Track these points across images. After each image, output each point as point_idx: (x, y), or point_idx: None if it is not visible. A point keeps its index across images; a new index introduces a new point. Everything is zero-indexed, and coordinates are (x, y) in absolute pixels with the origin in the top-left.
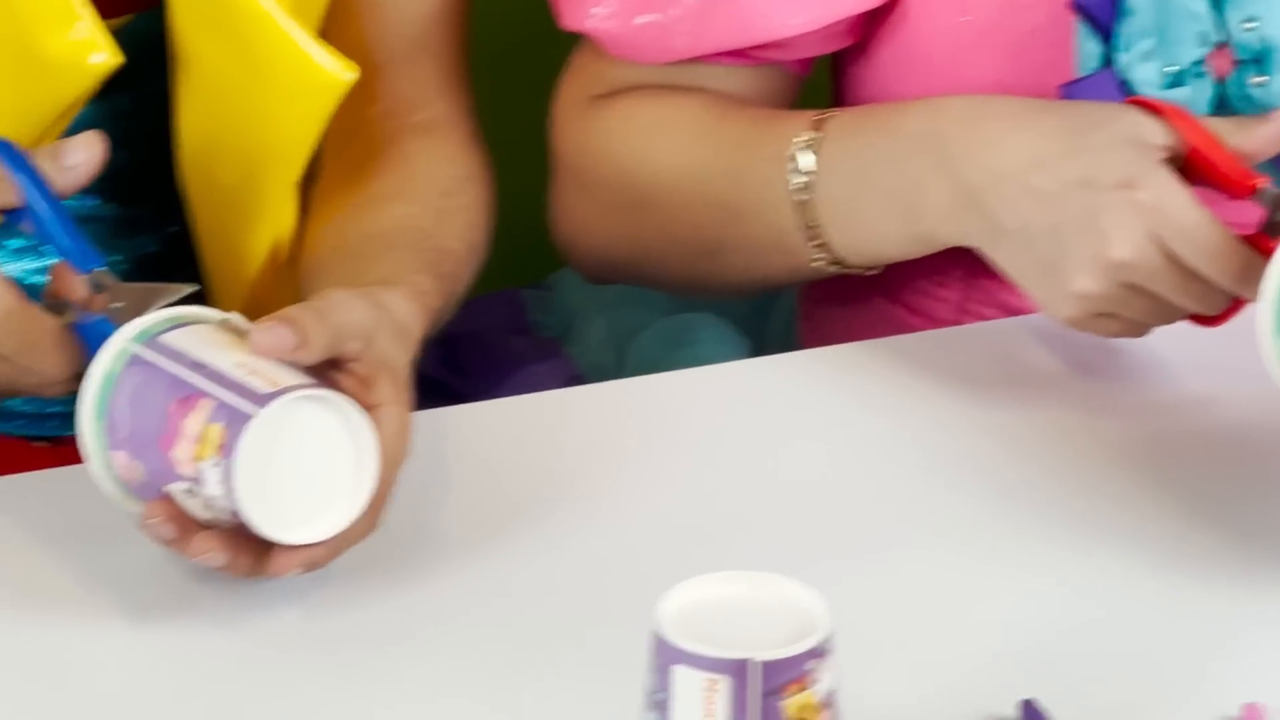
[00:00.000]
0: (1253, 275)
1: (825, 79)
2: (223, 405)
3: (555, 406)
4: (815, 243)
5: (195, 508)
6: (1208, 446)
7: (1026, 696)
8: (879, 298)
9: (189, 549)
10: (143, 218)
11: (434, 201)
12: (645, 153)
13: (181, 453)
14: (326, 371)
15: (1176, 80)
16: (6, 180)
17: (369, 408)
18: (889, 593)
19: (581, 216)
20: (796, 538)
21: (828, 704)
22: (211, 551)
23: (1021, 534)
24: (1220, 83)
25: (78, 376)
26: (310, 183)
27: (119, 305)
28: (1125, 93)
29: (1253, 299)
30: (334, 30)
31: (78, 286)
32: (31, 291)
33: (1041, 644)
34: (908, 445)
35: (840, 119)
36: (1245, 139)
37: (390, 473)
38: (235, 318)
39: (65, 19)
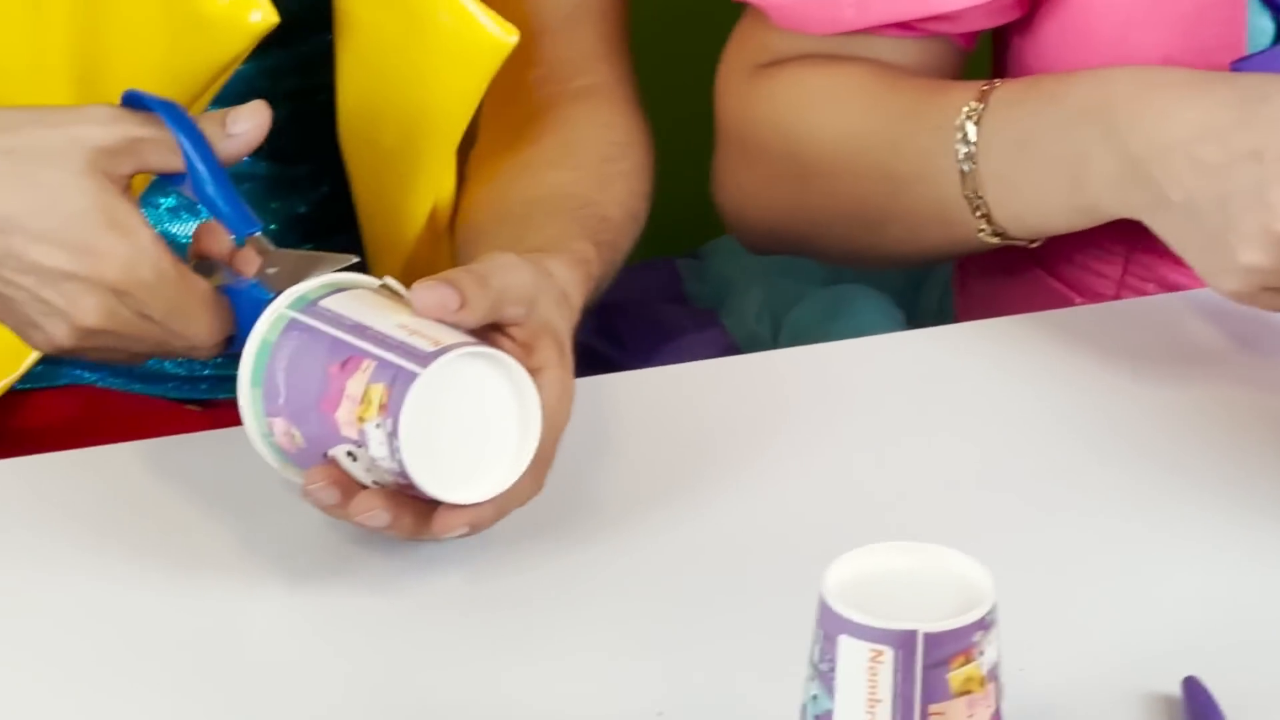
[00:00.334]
0: None
1: (986, 53)
2: (385, 365)
3: (712, 376)
4: (978, 214)
5: (357, 471)
6: None
7: (1189, 674)
8: (1037, 271)
9: (351, 508)
10: (296, 178)
11: (594, 168)
12: (812, 122)
13: (344, 415)
14: (488, 335)
15: None
16: (170, 143)
17: (531, 372)
18: (1049, 567)
19: (745, 185)
20: (955, 511)
21: (992, 677)
22: (375, 510)
23: (1184, 511)
24: None
25: (228, 340)
26: (467, 147)
27: (274, 271)
28: None
29: None
30: None
31: (243, 255)
32: (183, 252)
33: (1204, 622)
34: (1065, 420)
35: (1006, 89)
36: None
37: (553, 436)
38: (392, 282)
39: None
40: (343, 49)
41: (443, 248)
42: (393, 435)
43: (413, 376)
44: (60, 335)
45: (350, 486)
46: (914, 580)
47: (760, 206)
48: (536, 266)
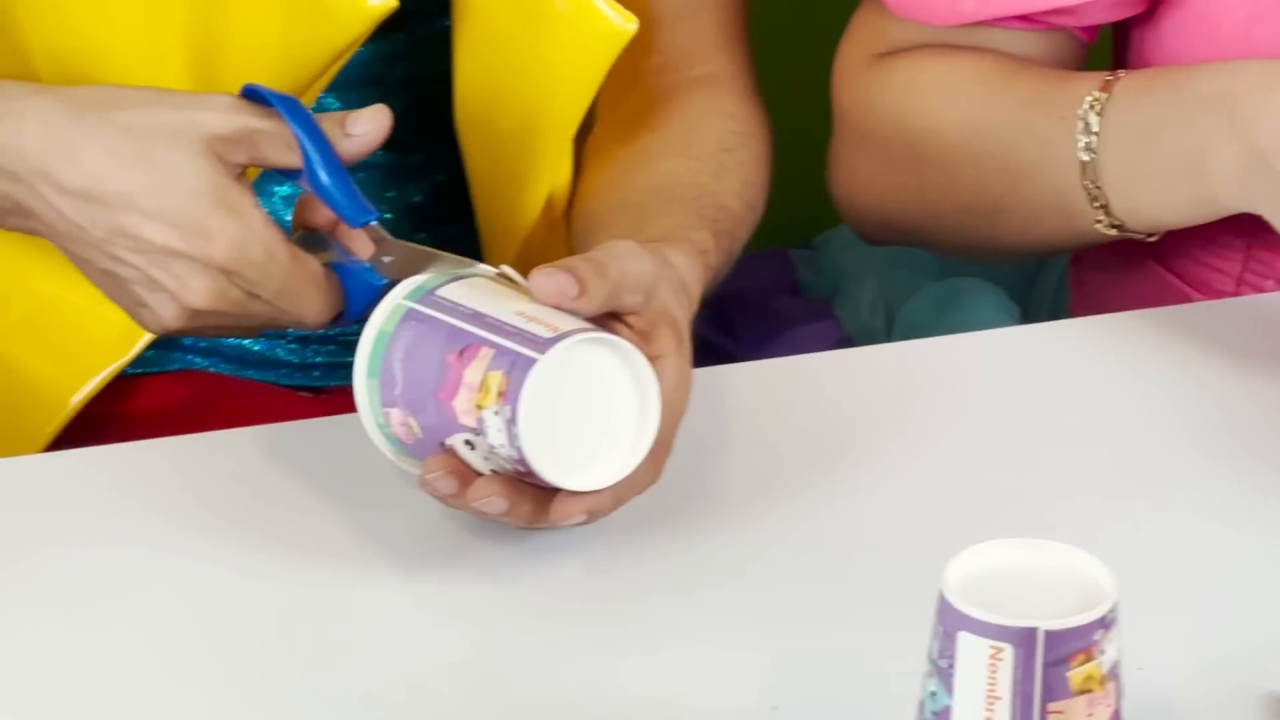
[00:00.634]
0: None
1: (1105, 46)
2: (504, 352)
3: (827, 368)
4: (1096, 205)
5: (475, 460)
6: None
7: None
8: (1154, 266)
9: (469, 495)
10: (411, 166)
11: (712, 157)
12: (930, 111)
13: (462, 403)
14: (606, 323)
15: None
16: (287, 137)
17: (649, 360)
18: (1167, 564)
19: (862, 175)
20: (1072, 507)
21: (1112, 675)
22: (492, 497)
23: None
24: None
25: (336, 316)
26: (583, 135)
27: (389, 260)
28: None
29: None
30: None
31: (353, 234)
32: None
33: None
34: (1182, 417)
35: (1129, 80)
36: None
37: (671, 424)
38: (509, 270)
39: None
40: (460, 35)
41: (558, 236)
42: (511, 422)
43: (531, 362)
44: (169, 316)
45: (468, 475)
46: (1034, 577)
47: (876, 196)
48: (656, 255)
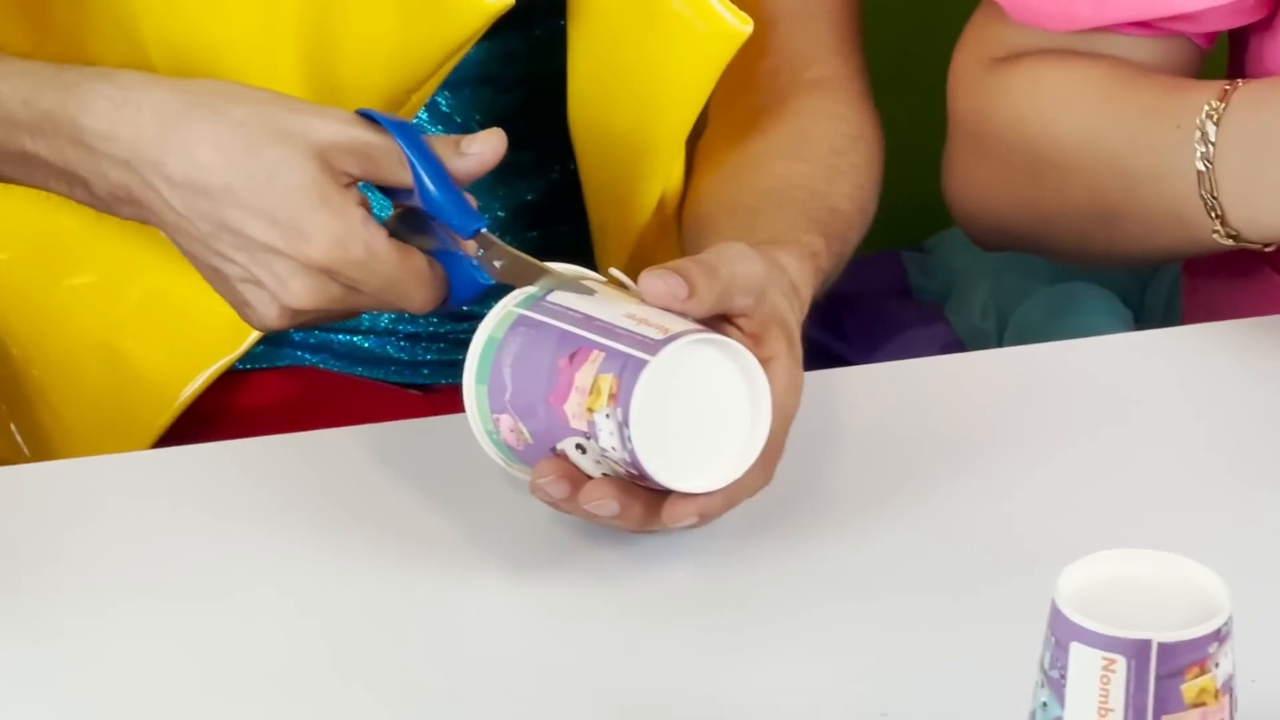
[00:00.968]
0: None
1: (1221, 54)
2: (615, 354)
3: (938, 372)
4: (1213, 215)
5: (586, 464)
6: None
7: None
8: (1269, 273)
9: (581, 497)
10: (524, 164)
11: (824, 160)
12: (1048, 117)
13: (573, 407)
14: (717, 325)
15: None
16: (400, 156)
17: (760, 362)
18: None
19: (978, 180)
20: (1186, 517)
21: (1226, 689)
22: (605, 499)
23: None
24: None
25: (442, 301)
26: (695, 136)
27: (499, 265)
28: None
29: None
30: None
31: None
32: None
33: None
34: None
35: (1248, 89)
36: None
37: (782, 427)
38: (617, 273)
39: None
40: (575, 34)
41: (670, 237)
42: (623, 424)
43: (642, 364)
44: (271, 315)
45: (579, 480)
46: (1148, 588)
47: (991, 201)
48: (766, 257)
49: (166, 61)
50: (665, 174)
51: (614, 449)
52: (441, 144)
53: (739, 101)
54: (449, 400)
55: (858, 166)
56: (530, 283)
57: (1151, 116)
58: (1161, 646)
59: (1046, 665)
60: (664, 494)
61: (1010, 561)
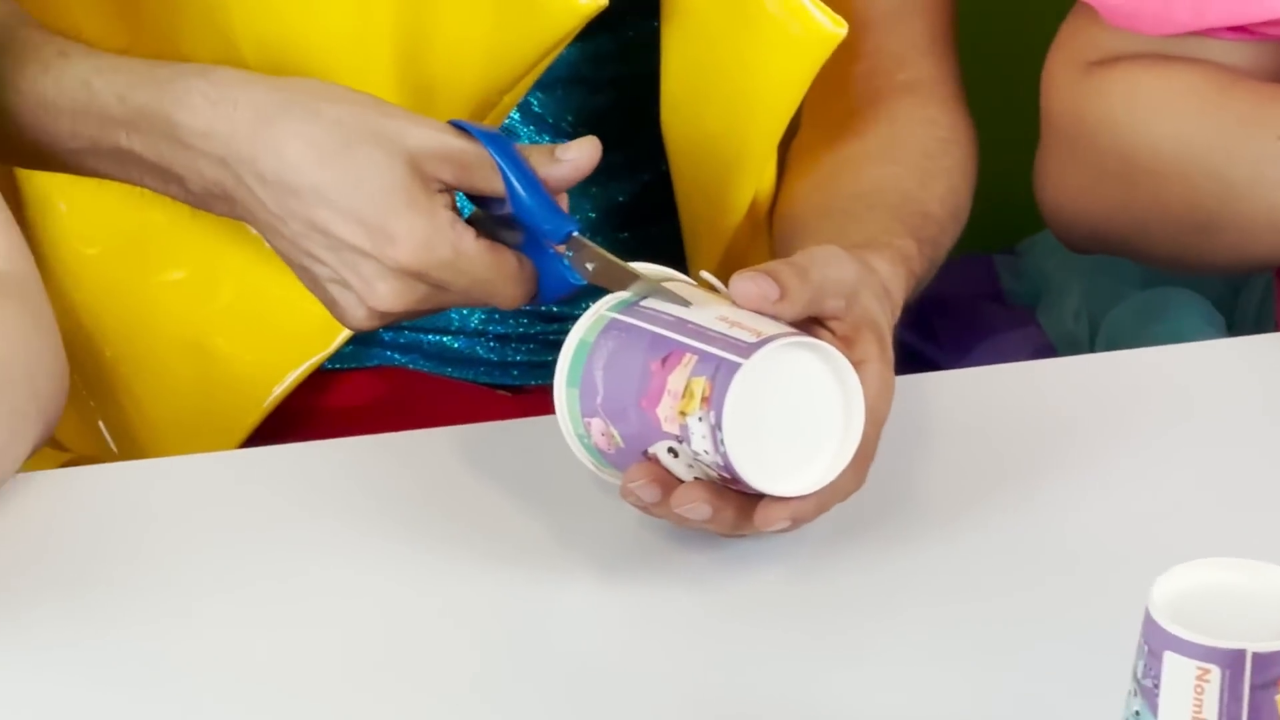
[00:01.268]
0: None
1: None
2: (707, 357)
3: (1029, 377)
4: None
5: (678, 468)
6: None
7: None
8: None
9: (673, 500)
10: (616, 165)
11: (917, 163)
12: (1146, 123)
13: (665, 410)
14: (809, 328)
15: None
16: (492, 165)
17: (852, 365)
18: None
19: (1071, 185)
20: (1278, 525)
21: None
22: (696, 503)
23: None
24: None
25: (532, 297)
26: (787, 138)
27: (591, 267)
28: None
29: None
30: None
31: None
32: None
33: None
34: None
35: None
36: None
37: (875, 430)
38: (708, 276)
39: None
40: (669, 35)
41: (761, 239)
42: (716, 427)
43: (735, 367)
44: (359, 317)
45: (670, 483)
46: (1243, 597)
47: (1084, 205)
48: (858, 260)
49: (259, 60)
50: (758, 176)
51: (706, 452)
52: (536, 152)
53: (832, 104)
54: (538, 401)
55: (950, 170)
56: (622, 286)
57: (1249, 125)
58: (1256, 656)
59: (1140, 674)
60: (755, 497)
61: (1101, 569)
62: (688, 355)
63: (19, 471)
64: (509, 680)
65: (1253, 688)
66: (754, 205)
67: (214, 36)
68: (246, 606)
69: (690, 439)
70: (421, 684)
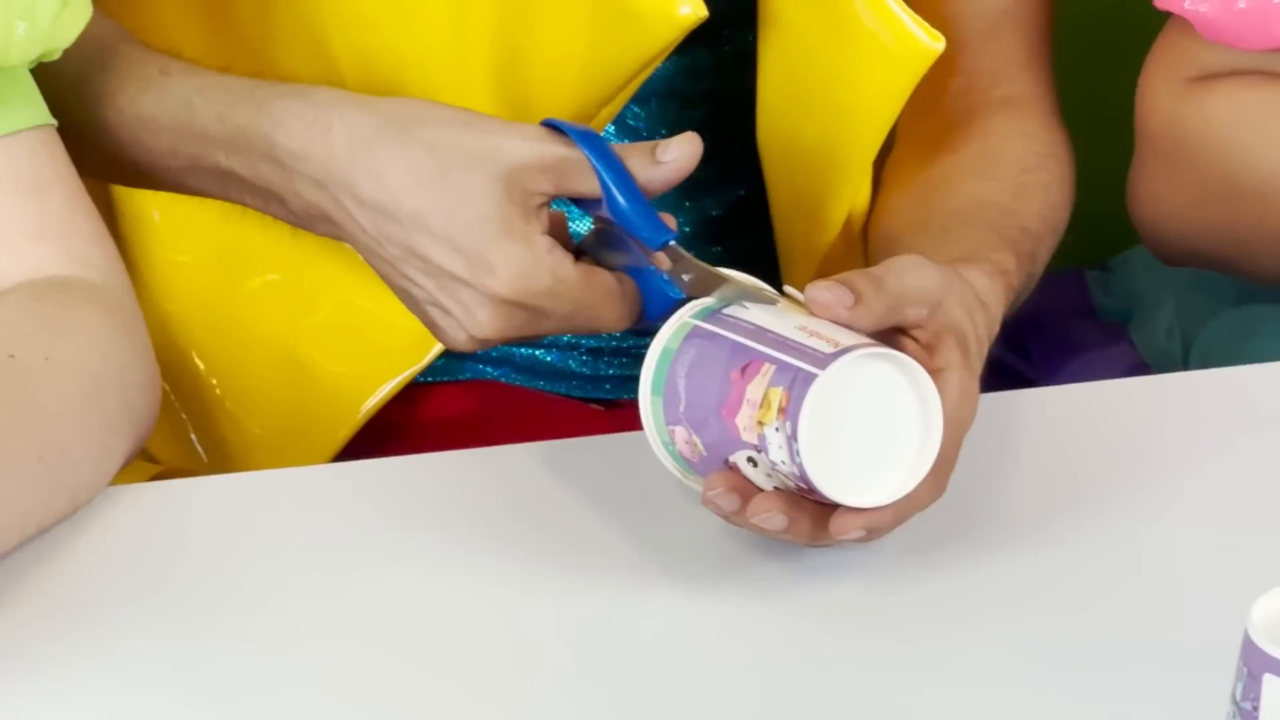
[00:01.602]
0: None
1: None
2: (785, 367)
3: (1121, 395)
4: None
5: (758, 477)
6: None
7: None
8: None
9: (748, 510)
10: (710, 179)
11: (1014, 178)
12: (1248, 141)
13: (744, 420)
14: (891, 338)
15: None
16: (588, 166)
17: (932, 372)
18: None
19: (1167, 200)
20: None
21: None
22: (770, 513)
23: None
24: None
25: (635, 318)
26: (881, 154)
27: (688, 278)
28: None
29: None
30: (918, 1)
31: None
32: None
33: None
34: None
35: None
36: None
37: (955, 439)
38: (792, 291)
39: None
40: (766, 49)
41: (855, 255)
42: (792, 438)
43: (811, 378)
44: (459, 341)
45: (750, 492)
46: None
47: (1183, 223)
48: (945, 270)
49: (356, 75)
50: (853, 191)
51: (783, 462)
52: (636, 152)
53: (927, 120)
54: (631, 416)
55: (1048, 185)
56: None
57: None
58: None
59: (1239, 696)
60: (833, 508)
61: (1194, 589)
62: (766, 365)
63: (110, 484)
64: (596, 689)
65: None
66: (849, 221)
67: (312, 54)
68: (338, 621)
69: (768, 449)
70: (509, 693)
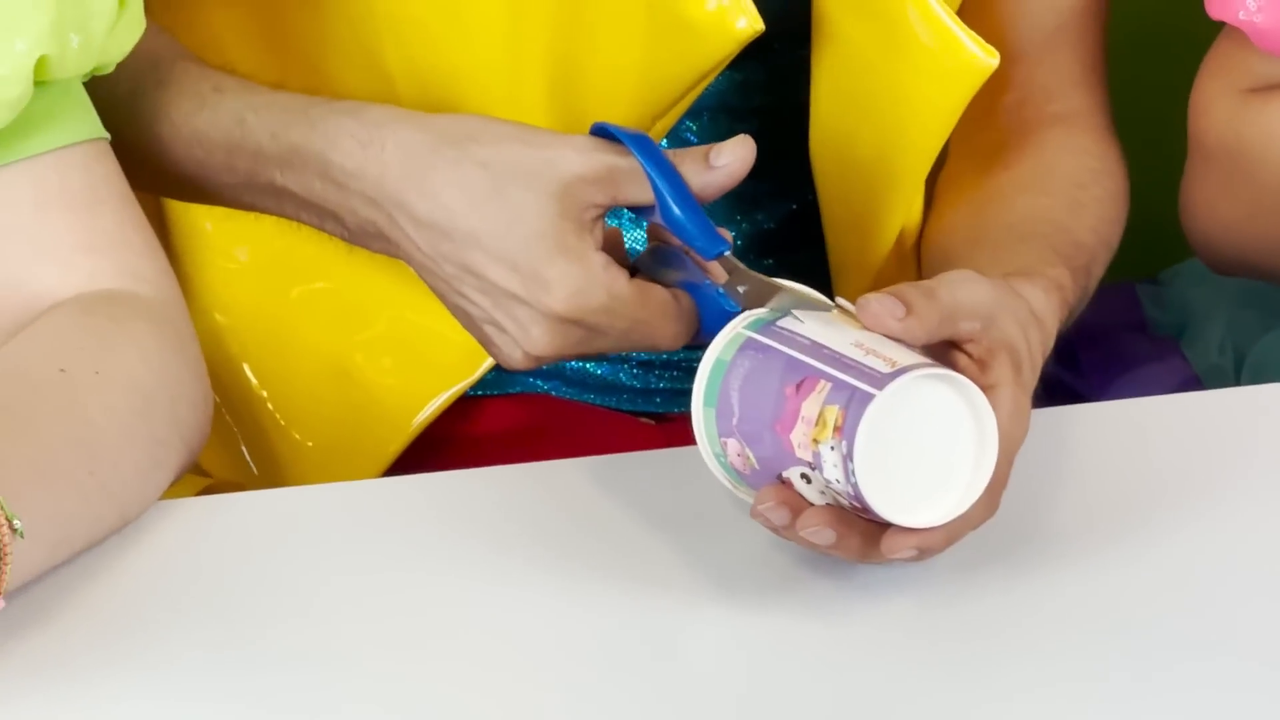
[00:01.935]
0: None
1: None
2: (841, 385)
3: (1172, 411)
4: None
5: (811, 494)
6: None
7: None
8: None
9: (797, 525)
10: (762, 193)
11: (1068, 193)
12: None
13: (798, 436)
14: (943, 352)
15: None
16: (642, 174)
17: (985, 389)
18: None
19: (1225, 214)
20: None
21: None
22: (819, 527)
23: None
24: None
25: (691, 335)
26: (934, 169)
27: (743, 290)
28: None
29: None
30: (971, 14)
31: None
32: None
33: None
34: None
35: None
36: None
37: (1007, 456)
38: (844, 303)
39: None
40: (819, 63)
41: (909, 270)
42: (848, 457)
43: (869, 398)
44: (515, 359)
45: (800, 507)
46: None
47: (1237, 234)
48: (999, 284)
49: (410, 89)
50: (907, 206)
51: (838, 480)
52: (689, 158)
53: (981, 135)
54: (682, 430)
55: (1101, 200)
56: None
57: None
58: None
59: None
60: (884, 525)
61: (1246, 605)
62: (822, 382)
63: (159, 498)
64: (635, 704)
65: None
66: (901, 236)
67: (366, 68)
68: (388, 636)
69: (822, 466)
70: (560, 711)
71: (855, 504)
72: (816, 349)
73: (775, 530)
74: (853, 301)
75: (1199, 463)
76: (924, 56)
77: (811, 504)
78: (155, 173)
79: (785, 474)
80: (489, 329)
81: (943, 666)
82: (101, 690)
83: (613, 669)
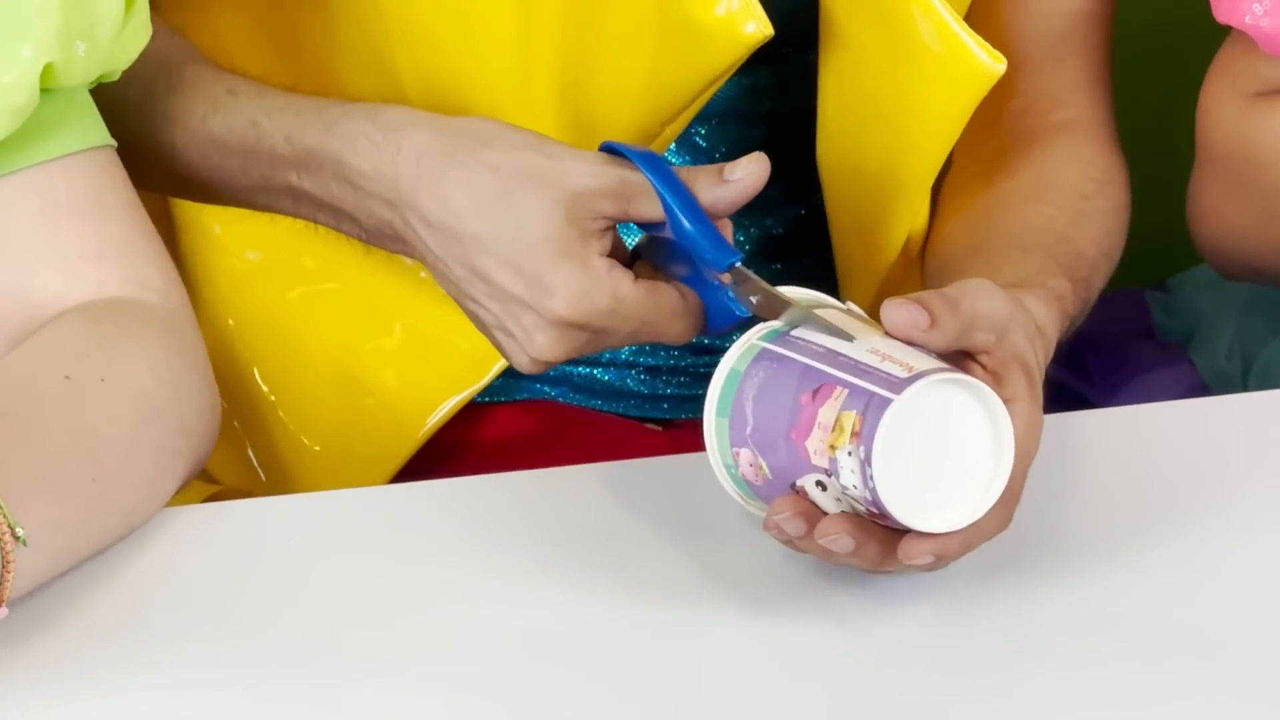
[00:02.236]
0: None
1: None
2: (859, 391)
3: (1180, 417)
4: None
5: (826, 501)
6: None
7: None
8: None
9: (816, 532)
10: (770, 198)
11: (1071, 204)
12: None
13: (815, 443)
14: (955, 361)
15: None
16: (651, 190)
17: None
18: None
19: (1231, 220)
20: None
21: None
22: (838, 535)
23: None
24: None
25: (700, 330)
26: (939, 175)
27: (754, 300)
28: None
29: None
30: (977, 20)
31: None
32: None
33: None
34: None
35: None
36: None
37: (1021, 470)
38: (855, 308)
39: None
40: (827, 68)
41: (914, 276)
42: (866, 462)
43: (887, 403)
44: (523, 364)
45: (815, 517)
46: None
47: (1245, 239)
48: (1010, 297)
49: (420, 94)
50: (913, 212)
51: (855, 487)
52: (702, 175)
53: (985, 142)
54: (689, 436)
55: (1104, 211)
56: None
57: None
58: None
59: None
60: (900, 533)
61: (1258, 612)
62: (839, 388)
63: (166, 506)
64: (661, 713)
65: None
66: (908, 242)
67: (377, 73)
68: (396, 643)
69: (839, 473)
70: (569, 717)
71: (872, 510)
72: (832, 356)
73: (788, 542)
74: (861, 307)
75: (1207, 469)
76: (931, 62)
77: (826, 512)
78: (167, 175)
79: (799, 482)
80: (498, 333)
81: (961, 673)
82: (108, 697)
83: (623, 675)
